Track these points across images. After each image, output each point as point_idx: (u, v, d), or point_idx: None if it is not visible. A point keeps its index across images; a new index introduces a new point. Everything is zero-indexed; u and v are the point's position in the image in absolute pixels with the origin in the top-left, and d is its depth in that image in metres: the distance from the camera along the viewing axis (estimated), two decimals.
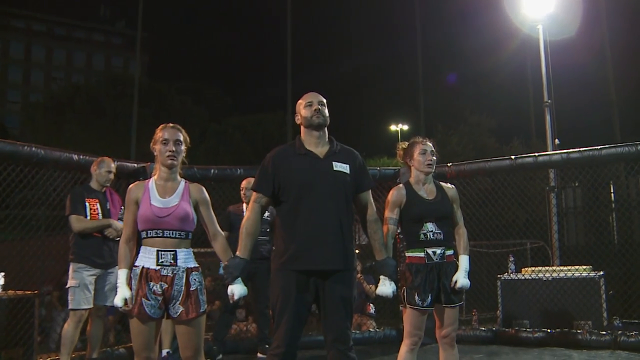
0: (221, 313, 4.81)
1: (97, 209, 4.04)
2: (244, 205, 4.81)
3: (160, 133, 2.78)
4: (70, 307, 3.92)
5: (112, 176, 4.20)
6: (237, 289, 2.65)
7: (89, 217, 4.01)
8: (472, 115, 17.16)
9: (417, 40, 19.70)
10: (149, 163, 4.90)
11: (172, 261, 2.65)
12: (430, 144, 3.25)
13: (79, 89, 24.36)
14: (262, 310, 4.80)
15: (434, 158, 3.22)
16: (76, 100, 22.59)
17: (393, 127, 29.14)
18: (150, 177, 2.85)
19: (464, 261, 3.15)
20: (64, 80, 36.92)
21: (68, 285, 3.94)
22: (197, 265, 2.75)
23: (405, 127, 28.56)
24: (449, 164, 5.59)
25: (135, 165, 5.01)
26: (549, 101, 7.38)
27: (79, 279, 3.91)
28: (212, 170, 5.12)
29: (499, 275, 5.72)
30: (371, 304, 6.14)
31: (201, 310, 2.69)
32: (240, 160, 18.38)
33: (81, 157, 4.60)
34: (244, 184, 4.75)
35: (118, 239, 4.00)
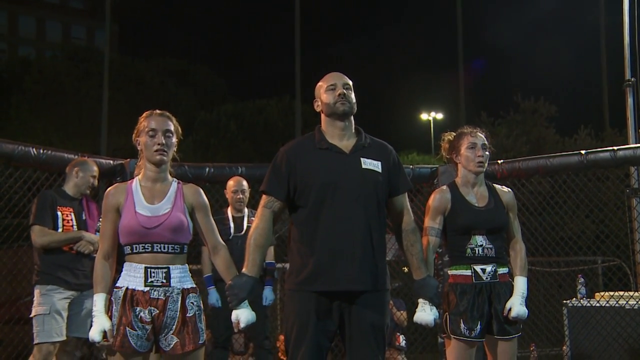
0: (212, 348, 4.88)
1: (71, 219, 4.07)
2: (229, 210, 4.91)
3: (146, 122, 2.80)
4: (36, 340, 3.88)
5: (95, 182, 4.25)
6: (243, 315, 2.70)
7: (60, 229, 4.03)
8: (525, 100, 17.07)
9: (457, 3, 19.68)
10: (128, 160, 4.95)
11: (165, 281, 2.69)
12: (482, 136, 3.28)
13: (28, 65, 24.44)
14: (261, 342, 4.87)
15: (487, 153, 3.25)
16: (25, 79, 22.69)
17: (424, 116, 29.18)
18: (133, 178, 2.88)
19: (521, 284, 3.18)
20: (6, 53, 36.70)
21: (33, 314, 3.93)
22: (194, 285, 2.79)
23: (440, 116, 28.60)
24: (499, 161, 5.59)
25: (111, 162, 5.05)
26: (633, 79, 7.25)
27: (49, 304, 3.91)
28: (207, 169, 5.16)
29: (565, 301, 5.72)
30: (401, 335, 6.17)
31: (200, 342, 2.72)
32: (236, 156, 18.43)
33: (41, 151, 4.61)
34: (232, 183, 4.87)
35: (94, 255, 4.05)
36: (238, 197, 4.85)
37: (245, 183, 4.91)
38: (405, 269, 6.74)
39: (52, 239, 3.99)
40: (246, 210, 4.91)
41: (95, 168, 4.25)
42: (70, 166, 4.22)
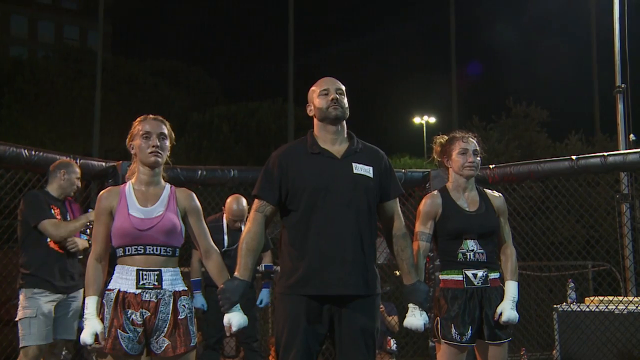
0: (203, 350, 4.89)
1: (59, 219, 4.05)
2: (224, 219, 4.88)
3: (140, 126, 2.82)
4: (22, 344, 3.85)
5: (79, 184, 4.25)
6: (235, 318, 2.70)
7: None
8: (518, 105, 17.17)
9: (450, 10, 19.77)
10: (120, 161, 4.94)
11: (156, 283, 2.70)
12: (474, 141, 3.28)
13: (20, 65, 24.32)
14: (251, 345, 4.89)
15: (478, 159, 3.26)
16: (17, 79, 22.60)
17: (417, 120, 29.26)
18: (125, 182, 2.90)
19: (511, 289, 3.19)
20: None
21: (19, 317, 3.89)
22: (185, 288, 2.80)
23: (432, 120, 28.69)
24: (491, 166, 5.63)
25: (103, 164, 5.03)
26: (623, 86, 7.30)
27: (35, 307, 3.87)
28: (200, 172, 5.15)
29: (555, 306, 5.75)
30: (392, 339, 6.18)
31: (191, 344, 2.73)
32: (228, 159, 18.45)
33: (33, 152, 4.59)
34: (233, 209, 4.79)
35: (80, 257, 4.04)
36: (236, 225, 4.83)
37: (244, 209, 4.79)
38: (397, 273, 6.75)
39: (68, 227, 3.98)
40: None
41: (78, 170, 4.25)
42: (54, 167, 4.18)
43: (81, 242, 4.09)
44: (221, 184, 5.26)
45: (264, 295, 4.93)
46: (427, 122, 28.82)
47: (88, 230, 4.08)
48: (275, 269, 5.05)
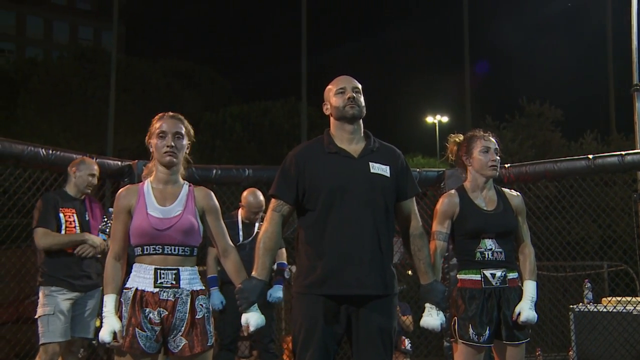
0: (218, 349, 4.89)
1: (73, 220, 4.07)
2: (239, 214, 4.90)
3: (157, 124, 2.81)
4: (42, 341, 3.91)
5: (95, 181, 4.24)
6: (253, 318, 2.71)
7: (63, 231, 4.03)
8: (531, 104, 17.08)
9: (463, 9, 19.70)
10: (135, 161, 4.96)
11: (174, 282, 2.70)
12: (494, 140, 3.26)
13: (35, 65, 24.48)
14: (266, 345, 4.89)
15: (498, 157, 3.24)
16: (32, 80, 22.75)
17: (430, 119, 29.18)
18: (144, 180, 2.89)
19: (530, 288, 3.17)
20: (14, 53, 36.79)
21: (38, 315, 3.96)
22: (203, 287, 2.80)
23: (445, 119, 28.60)
24: (506, 165, 5.61)
25: (119, 163, 5.05)
26: None
27: (53, 305, 3.93)
28: (214, 171, 5.16)
29: (571, 306, 5.71)
30: (406, 339, 6.17)
31: (208, 344, 2.74)
32: (241, 158, 18.46)
33: (50, 152, 4.60)
34: (252, 202, 4.80)
35: (99, 256, 4.07)
36: (256, 217, 4.84)
37: (262, 201, 4.81)
38: (410, 272, 6.75)
39: (54, 241, 4.00)
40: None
41: (95, 167, 4.24)
42: (70, 166, 4.22)
43: (99, 242, 4.10)
44: (236, 183, 5.27)
45: (273, 291, 4.92)
46: (439, 122, 28.74)
47: (107, 229, 4.10)
48: (289, 267, 5.05)
